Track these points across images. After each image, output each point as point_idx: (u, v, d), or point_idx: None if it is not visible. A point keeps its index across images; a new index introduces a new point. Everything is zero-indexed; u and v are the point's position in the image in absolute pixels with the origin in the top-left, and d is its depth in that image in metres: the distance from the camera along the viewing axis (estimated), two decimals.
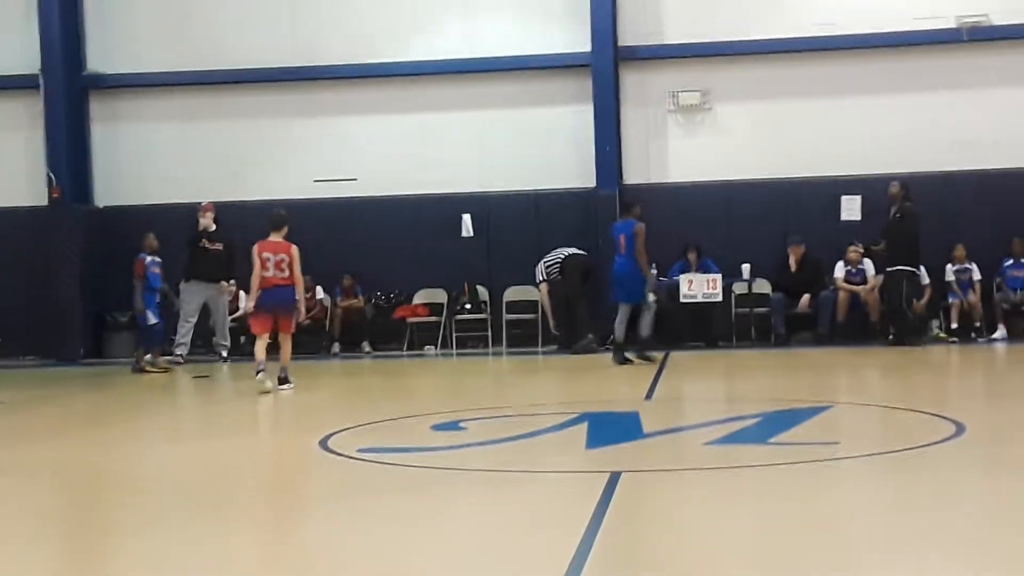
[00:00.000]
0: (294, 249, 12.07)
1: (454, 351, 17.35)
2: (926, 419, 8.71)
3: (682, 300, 15.83)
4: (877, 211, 16.21)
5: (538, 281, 16.98)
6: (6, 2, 18.35)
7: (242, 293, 17.13)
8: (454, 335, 17.46)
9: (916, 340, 15.52)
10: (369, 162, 17.92)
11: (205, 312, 15.86)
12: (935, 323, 16.62)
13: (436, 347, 17.40)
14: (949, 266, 16.52)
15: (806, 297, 16.61)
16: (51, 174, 17.88)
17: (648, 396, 11.15)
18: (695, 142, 17.51)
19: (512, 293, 17.44)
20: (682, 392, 12.05)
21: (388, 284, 17.75)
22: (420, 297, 17.68)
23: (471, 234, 17.70)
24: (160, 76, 18.19)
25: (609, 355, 14.38)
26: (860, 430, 8.99)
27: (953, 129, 16.85)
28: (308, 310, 12.52)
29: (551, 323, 16.99)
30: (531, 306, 17.35)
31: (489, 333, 17.43)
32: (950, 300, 16.46)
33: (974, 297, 16.43)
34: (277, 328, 12.14)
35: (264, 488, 7.15)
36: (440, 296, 17.61)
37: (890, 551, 4.96)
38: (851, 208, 16.86)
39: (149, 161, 18.32)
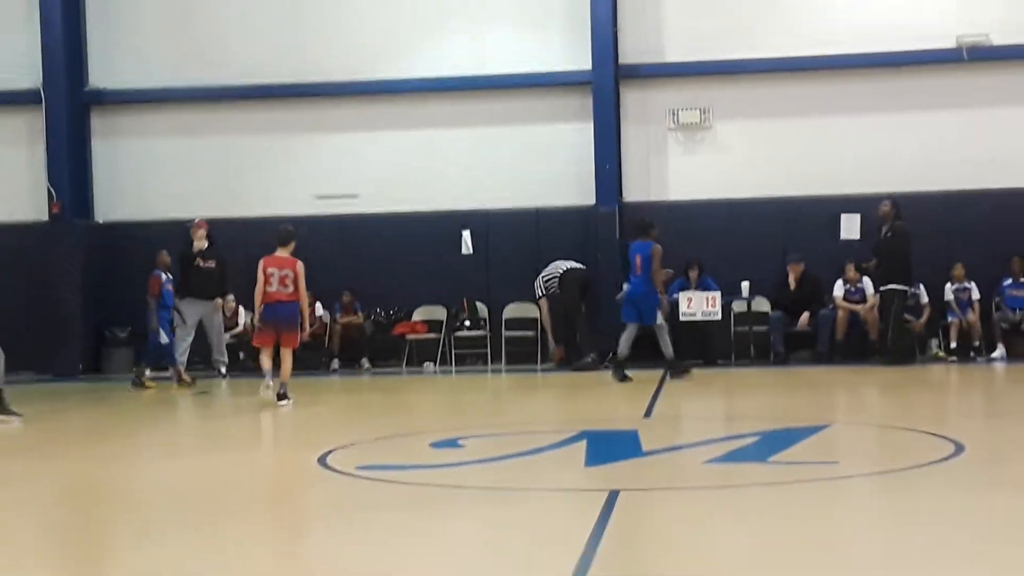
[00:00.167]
0: (300, 265, 12.12)
1: (453, 368, 17.35)
2: (925, 438, 8.70)
3: (681, 318, 15.82)
4: (876, 230, 16.22)
5: (538, 296, 17.00)
6: (8, 17, 18.41)
7: (241, 309, 17.20)
8: (453, 352, 17.46)
9: (902, 359, 15.46)
10: (370, 178, 17.96)
11: (201, 329, 15.82)
12: (934, 342, 16.63)
13: (435, 364, 17.40)
14: (948, 285, 16.53)
15: (805, 315, 16.62)
16: (52, 189, 17.90)
17: (647, 414, 11.14)
18: (695, 160, 17.55)
19: (511, 310, 17.45)
20: (681, 410, 12.03)
21: (387, 300, 17.75)
22: (419, 314, 17.69)
23: (471, 251, 17.72)
24: (162, 92, 18.24)
25: (609, 372, 14.36)
26: (859, 449, 8.97)
27: (953, 148, 16.89)
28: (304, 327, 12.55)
29: (550, 339, 16.99)
30: (530, 323, 17.35)
31: (488, 350, 17.43)
32: (949, 319, 16.47)
33: (973, 316, 16.43)
34: (279, 343, 12.17)
35: (262, 504, 7.14)
36: (439, 313, 17.61)
37: (890, 570, 4.95)
38: (850, 226, 16.89)
39: (150, 177, 18.35)
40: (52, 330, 17.56)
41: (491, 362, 17.40)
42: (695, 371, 14.51)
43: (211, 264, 15.62)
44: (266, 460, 8.99)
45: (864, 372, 15.03)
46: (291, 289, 12.05)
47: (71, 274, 17.82)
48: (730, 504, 6.52)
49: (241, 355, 17.34)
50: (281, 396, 12.04)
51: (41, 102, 17.99)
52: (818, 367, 16.01)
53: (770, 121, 17.45)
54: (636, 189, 17.54)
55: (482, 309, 17.60)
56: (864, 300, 16.39)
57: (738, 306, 16.84)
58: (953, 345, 16.34)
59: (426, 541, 5.73)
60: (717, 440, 9.11)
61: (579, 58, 17.41)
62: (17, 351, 12.01)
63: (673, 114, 17.47)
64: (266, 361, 12.23)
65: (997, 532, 5.65)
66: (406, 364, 17.47)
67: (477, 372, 17.14)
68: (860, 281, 16.38)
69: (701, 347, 16.38)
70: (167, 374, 15.57)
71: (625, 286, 16.90)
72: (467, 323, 17.51)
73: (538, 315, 17.19)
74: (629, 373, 14.01)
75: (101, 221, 18.44)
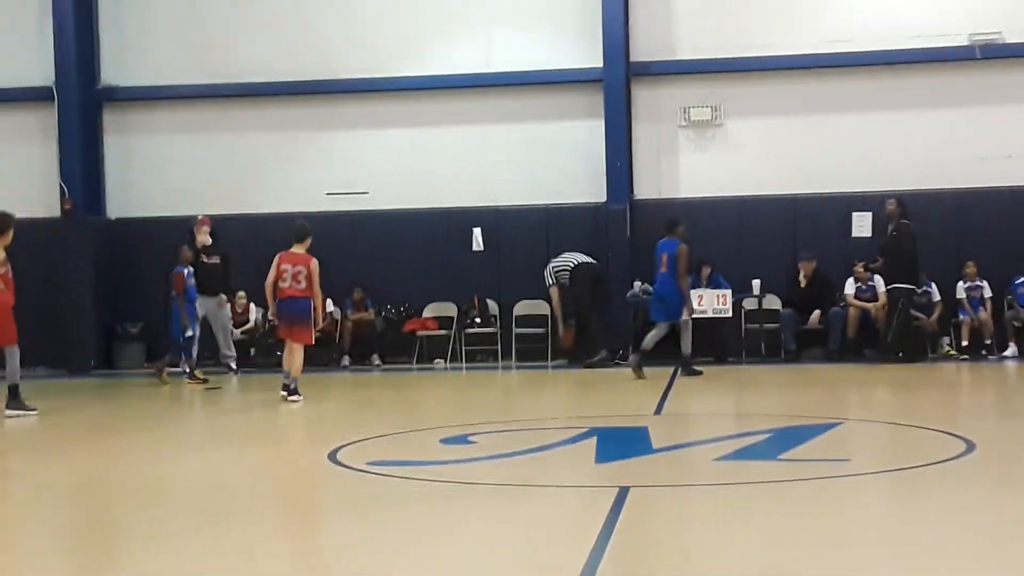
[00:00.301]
0: (314, 262, 12.18)
1: (463, 364, 17.36)
2: (936, 436, 8.68)
3: (692, 315, 15.78)
4: (884, 228, 16.20)
5: (548, 284, 16.92)
6: (21, 15, 18.47)
7: (252, 305, 17.24)
8: (463, 348, 17.47)
9: (902, 356, 15.40)
10: (380, 175, 17.98)
11: (207, 326, 15.84)
12: (946, 340, 16.60)
13: (446, 360, 17.41)
14: (960, 283, 16.50)
15: (816, 313, 16.60)
16: (64, 185, 17.96)
17: (657, 411, 11.14)
18: (706, 157, 17.52)
19: (522, 307, 17.45)
20: (691, 407, 12.02)
21: (398, 297, 17.78)
22: (430, 310, 17.71)
23: (481, 248, 17.73)
24: (173, 89, 18.28)
25: (620, 369, 14.37)
26: (870, 447, 8.97)
27: (966, 146, 16.84)
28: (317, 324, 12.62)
29: (560, 326, 16.90)
30: (541, 320, 17.35)
31: (499, 347, 17.44)
32: (961, 317, 16.43)
33: (985, 315, 16.39)
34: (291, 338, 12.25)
35: (272, 500, 7.16)
36: (450, 310, 17.63)
37: (900, 568, 4.95)
38: (862, 225, 16.85)
39: (161, 173, 18.40)
40: (64, 326, 17.62)
41: (501, 359, 17.41)
42: (705, 371, 14.50)
43: (215, 260, 15.69)
44: (277, 456, 9.01)
45: (875, 370, 15.01)
46: (303, 285, 12.11)
47: (83, 270, 17.88)
48: (740, 501, 6.52)
49: (252, 351, 17.39)
50: (290, 390, 12.11)
51: (53, 99, 18.05)
52: (829, 365, 15.98)
53: (781, 119, 17.42)
54: (647, 187, 17.53)
55: (492, 306, 17.61)
56: (876, 298, 16.34)
57: (749, 304, 16.82)
58: (965, 343, 16.30)
59: (436, 537, 5.74)
60: (727, 437, 9.11)
61: (590, 56, 17.40)
62: (29, 347, 12.08)
63: (684, 111, 17.45)
64: (287, 356, 12.34)
65: (1006, 531, 5.65)
66: (417, 361, 17.49)
67: (487, 369, 17.15)
68: (871, 279, 16.35)
69: (712, 344, 16.36)
70: (179, 369, 15.62)
71: (637, 284, 17.00)
72: (478, 320, 17.52)
73: (548, 311, 17.16)
74: (634, 368, 14.03)
75: (113, 218, 18.50)
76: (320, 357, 16.54)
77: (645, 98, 17.57)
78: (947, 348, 16.51)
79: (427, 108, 17.99)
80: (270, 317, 12.48)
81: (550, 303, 17.05)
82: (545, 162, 17.63)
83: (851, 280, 16.49)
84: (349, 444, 8.77)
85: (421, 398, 13.89)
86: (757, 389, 13.74)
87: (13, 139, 18.50)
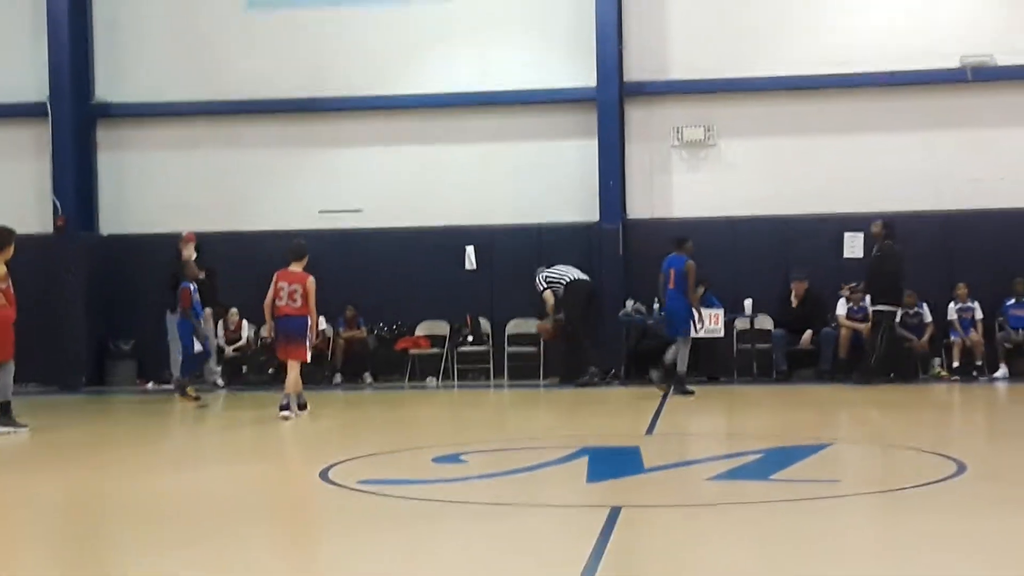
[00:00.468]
0: (310, 281, 12.27)
1: (455, 383, 17.35)
2: (927, 457, 8.70)
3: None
4: (871, 250, 16.24)
5: (540, 289, 16.83)
6: (15, 30, 18.48)
7: (245, 322, 17.23)
8: (456, 367, 17.46)
9: (867, 379, 15.43)
10: (374, 193, 17.98)
11: None
12: (937, 361, 16.62)
13: (438, 379, 17.40)
14: (952, 304, 16.53)
15: (808, 333, 16.63)
16: (57, 201, 17.95)
17: (649, 431, 11.14)
18: (699, 177, 17.56)
19: (514, 326, 17.45)
20: (683, 427, 12.03)
21: (391, 315, 17.76)
22: (422, 329, 17.70)
23: (474, 266, 17.73)
24: (167, 106, 18.29)
25: (612, 388, 14.38)
26: (861, 468, 8.97)
27: (957, 168, 16.90)
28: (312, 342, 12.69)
29: (548, 319, 16.76)
30: (533, 339, 17.33)
31: (491, 365, 17.43)
32: (952, 338, 16.46)
33: (976, 336, 16.43)
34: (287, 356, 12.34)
35: (263, 518, 7.14)
36: (442, 328, 17.62)
37: None
38: (854, 245, 16.89)
39: (155, 190, 18.39)
40: (56, 342, 17.56)
41: (493, 377, 17.40)
42: (696, 391, 14.49)
43: (201, 275, 15.67)
44: (268, 474, 8.99)
45: (866, 391, 15.00)
46: (299, 303, 12.23)
47: (75, 286, 17.85)
48: (732, 522, 6.52)
49: (244, 368, 17.37)
50: (284, 407, 12.14)
51: (47, 115, 18.05)
52: (820, 385, 16.00)
53: (774, 139, 17.47)
54: (640, 206, 17.56)
55: (485, 325, 17.61)
56: (867, 319, 16.34)
57: (741, 323, 16.84)
58: (956, 364, 16.33)
59: (427, 556, 5.73)
60: (719, 457, 9.12)
61: (584, 75, 17.45)
62: (21, 363, 12.05)
63: (677, 131, 17.50)
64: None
65: (997, 552, 5.65)
66: (409, 379, 17.47)
67: (479, 387, 17.14)
68: (864, 299, 16.37)
69: (704, 364, 16.37)
70: (170, 386, 15.62)
71: (630, 303, 17.02)
72: (470, 338, 17.52)
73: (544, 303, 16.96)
74: (658, 384, 14.32)
75: (105, 234, 18.47)
76: (312, 375, 16.47)
77: (638, 118, 17.62)
78: (938, 369, 16.54)
79: (421, 126, 18.01)
80: (268, 335, 12.56)
81: (543, 306, 16.90)
82: (538, 181, 17.65)
83: (842, 300, 16.52)
84: (341, 462, 8.76)
85: (413, 416, 13.88)
86: (749, 409, 13.74)
87: (6, 155, 18.49)
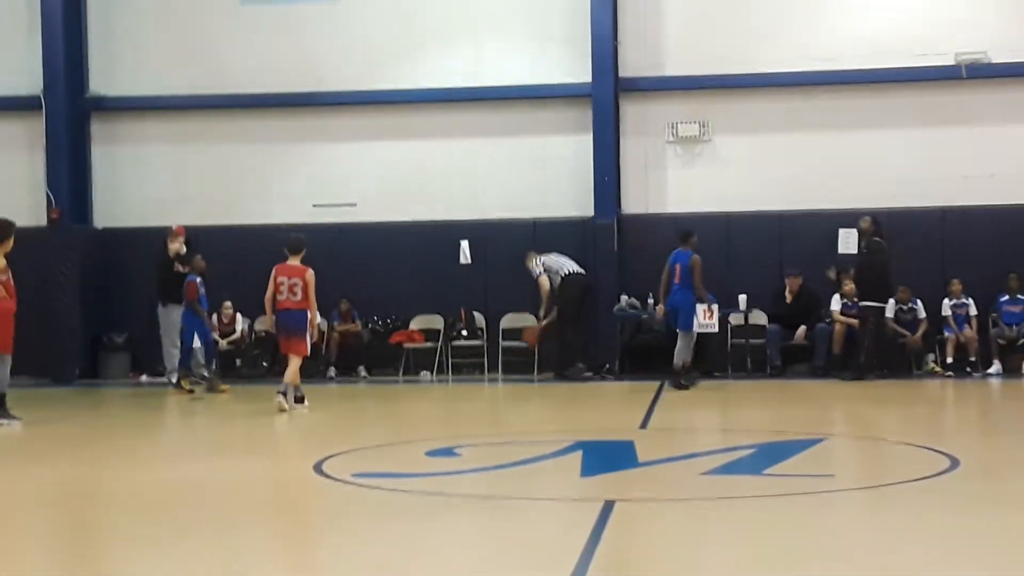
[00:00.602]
0: (309, 274, 12.35)
1: (450, 377, 17.35)
2: (920, 453, 8.72)
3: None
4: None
5: (536, 274, 16.76)
6: (9, 23, 18.42)
7: (239, 316, 17.22)
8: (450, 361, 17.46)
9: (860, 375, 15.43)
10: (368, 188, 17.97)
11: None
12: (931, 357, 16.65)
13: (432, 373, 17.39)
14: (946, 301, 16.56)
15: (802, 329, 16.64)
16: (50, 195, 17.91)
17: (643, 425, 11.16)
18: (694, 173, 17.57)
19: (508, 320, 17.45)
20: (677, 422, 12.04)
21: (385, 309, 17.76)
22: (417, 323, 17.70)
23: (469, 261, 17.72)
24: (161, 99, 18.26)
25: (604, 383, 14.39)
26: (854, 463, 8.99)
27: (952, 165, 16.92)
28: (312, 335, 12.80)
29: (541, 314, 16.75)
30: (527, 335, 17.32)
31: (485, 359, 17.42)
32: (946, 334, 16.49)
33: (970, 332, 16.45)
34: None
35: (257, 510, 7.14)
36: (436, 322, 17.62)
37: None
38: (848, 241, 16.87)
39: (149, 183, 18.35)
40: (49, 335, 17.51)
41: (487, 371, 17.40)
42: (693, 389, 14.51)
43: (189, 269, 15.66)
44: (261, 467, 8.99)
45: (860, 386, 15.03)
46: (299, 297, 12.33)
47: (69, 279, 17.81)
48: (725, 516, 6.54)
49: (238, 362, 17.36)
50: (282, 393, 12.28)
51: (41, 108, 17.99)
52: (815, 380, 16.02)
53: (768, 135, 17.48)
54: (634, 201, 17.56)
55: (479, 319, 17.61)
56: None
57: (735, 319, 16.84)
58: (949, 360, 16.36)
59: (419, 550, 5.74)
60: (713, 452, 9.13)
61: (579, 71, 17.44)
62: (14, 355, 12.06)
63: (672, 127, 17.50)
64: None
65: (990, 547, 5.67)
66: (403, 373, 17.47)
67: (473, 381, 17.14)
68: (857, 295, 16.37)
69: (698, 359, 16.36)
70: (163, 378, 15.62)
71: (624, 298, 17.02)
72: (464, 333, 17.51)
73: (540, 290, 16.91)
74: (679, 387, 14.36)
75: (99, 227, 18.44)
76: (307, 368, 16.45)
77: (633, 113, 17.63)
78: (932, 365, 16.57)
79: (416, 121, 18.00)
80: (268, 329, 12.66)
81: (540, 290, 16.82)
82: (533, 176, 17.65)
83: (837, 296, 16.53)
84: (334, 456, 8.77)
85: (407, 410, 13.89)
86: (742, 404, 13.76)
87: (0, 148, 18.45)
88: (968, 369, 16.32)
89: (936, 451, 8.54)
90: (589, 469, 8.29)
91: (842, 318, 16.40)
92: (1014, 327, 16.51)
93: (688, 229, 14.95)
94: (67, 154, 18.01)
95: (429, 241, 17.70)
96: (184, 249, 15.68)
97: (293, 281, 12.32)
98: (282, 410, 12.14)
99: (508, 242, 17.53)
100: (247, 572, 5.45)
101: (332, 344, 17.44)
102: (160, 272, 15.64)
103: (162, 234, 16.10)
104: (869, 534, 6.09)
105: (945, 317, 16.55)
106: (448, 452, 9.11)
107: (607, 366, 16.82)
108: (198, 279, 15.21)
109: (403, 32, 18.02)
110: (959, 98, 17.09)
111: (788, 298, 16.93)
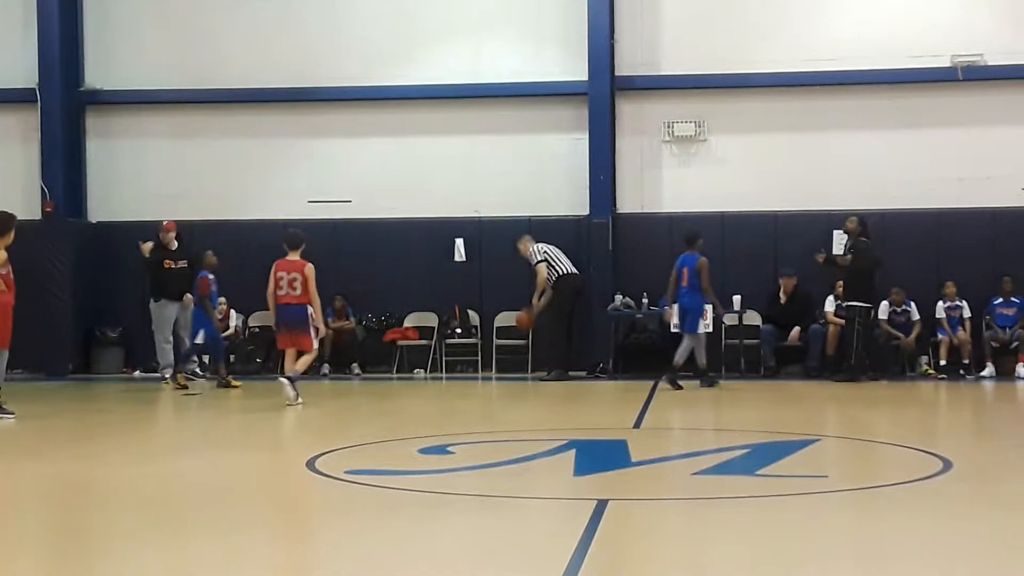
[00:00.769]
0: (308, 268, 12.43)
1: (443, 375, 17.34)
2: (914, 454, 8.73)
3: (672, 330, 15.82)
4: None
5: (535, 261, 16.59)
6: (5, 16, 18.38)
7: (233, 312, 17.20)
8: (444, 359, 17.46)
9: (854, 376, 15.45)
10: (364, 184, 17.95)
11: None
12: (924, 359, 16.67)
13: (426, 370, 17.40)
14: (940, 303, 16.57)
15: (796, 330, 16.65)
16: (45, 188, 17.88)
17: (637, 425, 11.16)
18: (689, 172, 17.58)
19: (503, 318, 17.44)
20: (671, 421, 12.05)
21: (379, 306, 17.75)
22: (411, 320, 17.69)
23: (464, 258, 17.72)
24: (157, 93, 18.23)
25: (599, 382, 14.39)
26: (848, 464, 9.00)
27: (947, 167, 16.94)
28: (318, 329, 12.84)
29: (535, 298, 16.65)
30: (522, 331, 17.31)
31: (479, 357, 17.43)
32: (939, 336, 16.50)
33: (963, 334, 16.47)
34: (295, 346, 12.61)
35: (249, 506, 7.13)
36: (431, 319, 17.61)
37: None
38: (843, 242, 16.89)
39: (144, 178, 18.33)
40: (43, 329, 17.47)
41: (481, 369, 17.40)
42: (684, 387, 14.51)
43: (182, 264, 15.67)
44: (255, 463, 8.98)
45: (854, 387, 15.04)
46: (299, 292, 12.40)
47: (63, 273, 17.78)
48: (718, 516, 6.54)
49: (232, 358, 17.33)
50: (290, 379, 12.37)
51: (36, 101, 17.96)
52: (808, 382, 16.03)
53: (765, 135, 17.49)
54: (630, 200, 17.57)
55: (474, 317, 17.61)
56: None
57: (729, 319, 16.85)
58: (943, 362, 16.37)
59: (412, 548, 5.73)
60: (706, 452, 9.13)
61: (575, 69, 17.44)
62: (10, 350, 12.05)
63: (668, 126, 17.51)
64: (289, 364, 12.69)
65: (982, 549, 5.68)
66: (397, 370, 17.46)
67: (467, 379, 17.14)
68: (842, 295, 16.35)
69: (691, 360, 16.35)
70: (158, 374, 15.62)
71: (618, 298, 17.02)
72: (458, 330, 17.52)
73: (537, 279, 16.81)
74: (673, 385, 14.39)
75: (94, 221, 18.42)
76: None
77: (629, 112, 17.63)
78: (925, 367, 16.58)
79: (412, 118, 17.99)
80: (273, 326, 12.79)
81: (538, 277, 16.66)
82: (529, 174, 17.64)
83: (831, 297, 16.53)
84: (327, 452, 8.76)
85: (400, 407, 13.87)
86: (736, 404, 13.76)
87: None
88: (961, 371, 16.33)
89: (929, 453, 8.55)
90: (582, 468, 8.29)
91: (836, 319, 16.40)
92: (1007, 330, 16.52)
93: (695, 232, 14.94)
94: (62, 147, 17.98)
95: (424, 238, 17.69)
96: (175, 244, 15.68)
97: (292, 275, 12.41)
98: (289, 404, 12.18)
99: (503, 240, 17.43)
100: (240, 568, 5.44)
101: (326, 341, 17.38)
102: (149, 268, 15.64)
103: (157, 228, 16.09)
104: (862, 535, 6.10)
105: (939, 319, 16.56)
106: (441, 450, 9.11)
107: (601, 365, 16.82)
108: (211, 275, 15.18)
109: (401, 29, 18.01)
110: (954, 100, 17.12)
111: (782, 299, 16.94)
